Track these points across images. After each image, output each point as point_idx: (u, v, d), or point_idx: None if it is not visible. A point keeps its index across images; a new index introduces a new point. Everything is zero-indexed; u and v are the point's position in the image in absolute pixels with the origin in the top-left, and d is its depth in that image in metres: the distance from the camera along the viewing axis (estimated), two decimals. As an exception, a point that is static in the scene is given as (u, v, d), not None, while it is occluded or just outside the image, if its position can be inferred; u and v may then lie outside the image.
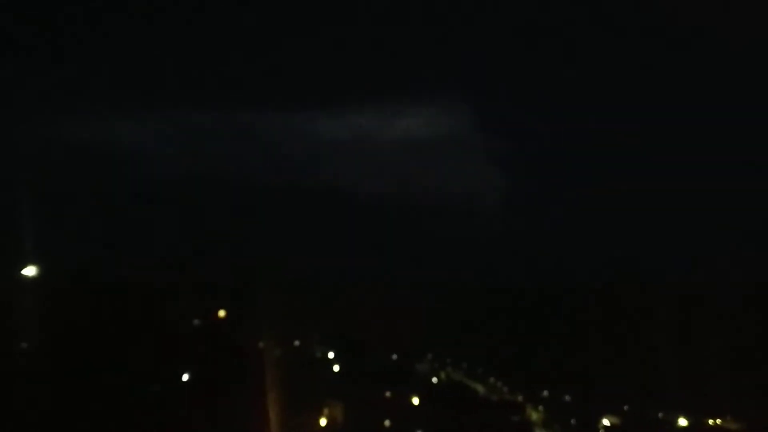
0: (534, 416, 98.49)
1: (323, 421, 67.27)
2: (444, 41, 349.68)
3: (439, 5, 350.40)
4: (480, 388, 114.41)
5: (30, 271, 52.16)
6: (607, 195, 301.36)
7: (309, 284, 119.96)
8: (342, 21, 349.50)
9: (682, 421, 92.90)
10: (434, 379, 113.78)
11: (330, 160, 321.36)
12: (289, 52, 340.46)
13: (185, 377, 53.44)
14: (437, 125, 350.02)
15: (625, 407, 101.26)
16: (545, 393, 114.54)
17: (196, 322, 70.64)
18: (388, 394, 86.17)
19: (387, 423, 72.19)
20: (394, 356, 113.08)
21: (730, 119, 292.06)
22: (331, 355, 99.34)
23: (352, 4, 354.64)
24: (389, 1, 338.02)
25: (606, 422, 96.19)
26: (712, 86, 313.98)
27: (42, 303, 45.85)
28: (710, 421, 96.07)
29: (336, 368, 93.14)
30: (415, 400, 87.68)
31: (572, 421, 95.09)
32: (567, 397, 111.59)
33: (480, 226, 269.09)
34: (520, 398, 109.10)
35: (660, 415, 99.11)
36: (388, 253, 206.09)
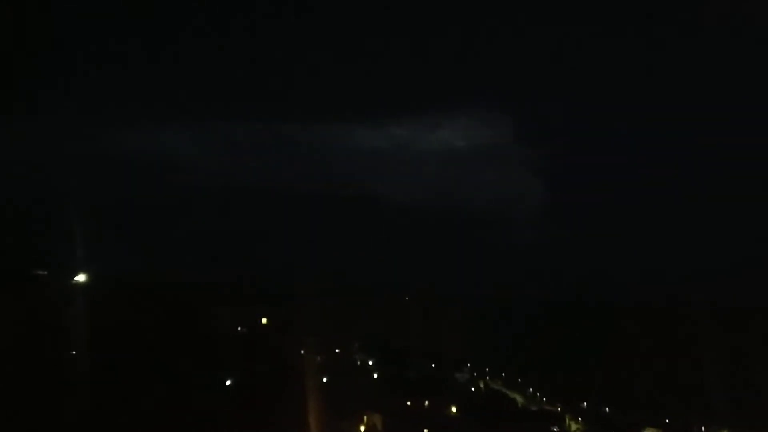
0: (573, 427, 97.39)
1: (362, 429, 67.87)
2: (482, 53, 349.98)
3: (478, 19, 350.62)
4: (519, 398, 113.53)
5: (80, 278, 54.37)
6: (648, 206, 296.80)
7: (348, 292, 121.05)
8: (381, 34, 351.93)
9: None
10: (473, 389, 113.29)
11: (369, 170, 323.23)
12: (330, 65, 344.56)
13: (228, 382, 54.75)
14: (475, 136, 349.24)
15: (667, 420, 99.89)
16: (584, 404, 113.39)
17: (240, 329, 72.46)
18: (426, 402, 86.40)
19: (425, 432, 72.39)
20: (433, 365, 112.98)
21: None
22: (371, 362, 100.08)
23: (392, 18, 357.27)
24: (429, 15, 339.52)
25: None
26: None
27: (90, 310, 47.55)
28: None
29: (375, 375, 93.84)
30: (454, 410, 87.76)
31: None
32: (606, 409, 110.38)
33: (517, 235, 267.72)
34: (559, 409, 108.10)
35: (702, 428, 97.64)
36: (426, 262, 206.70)
